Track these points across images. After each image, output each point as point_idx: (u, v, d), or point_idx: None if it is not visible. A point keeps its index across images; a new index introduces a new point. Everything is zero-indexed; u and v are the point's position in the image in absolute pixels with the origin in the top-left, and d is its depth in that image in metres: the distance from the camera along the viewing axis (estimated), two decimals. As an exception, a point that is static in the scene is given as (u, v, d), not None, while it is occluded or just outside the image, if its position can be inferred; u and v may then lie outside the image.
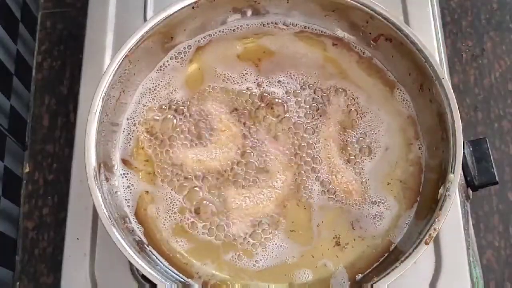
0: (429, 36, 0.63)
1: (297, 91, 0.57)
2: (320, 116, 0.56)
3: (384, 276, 0.46)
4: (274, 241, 0.52)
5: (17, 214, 0.67)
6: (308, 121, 0.56)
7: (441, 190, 0.48)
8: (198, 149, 0.55)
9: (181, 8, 0.53)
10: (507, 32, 0.77)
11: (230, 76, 0.57)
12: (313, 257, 0.52)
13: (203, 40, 0.58)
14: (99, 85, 0.50)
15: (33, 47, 0.74)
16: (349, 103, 0.57)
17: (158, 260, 0.51)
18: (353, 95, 0.57)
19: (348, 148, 0.55)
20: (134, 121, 0.56)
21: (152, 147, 0.55)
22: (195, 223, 0.53)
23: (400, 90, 0.57)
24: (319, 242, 0.52)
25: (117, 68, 0.51)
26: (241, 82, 0.57)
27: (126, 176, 0.54)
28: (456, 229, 0.56)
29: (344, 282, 0.51)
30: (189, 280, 0.51)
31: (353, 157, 0.55)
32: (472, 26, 0.77)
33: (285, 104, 0.56)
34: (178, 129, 0.55)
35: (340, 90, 0.57)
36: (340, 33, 0.58)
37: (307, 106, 0.56)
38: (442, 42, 0.64)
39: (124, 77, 0.53)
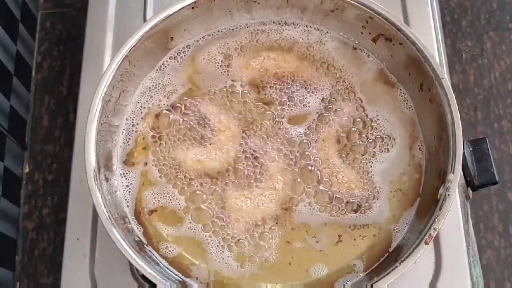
0: (429, 36, 0.63)
1: (298, 89, 0.57)
2: (321, 116, 0.56)
3: (384, 276, 0.46)
4: (275, 241, 0.52)
5: (17, 214, 0.67)
6: (309, 122, 0.56)
7: (441, 190, 0.48)
8: (198, 150, 0.55)
9: (181, 8, 0.53)
10: (507, 32, 0.77)
11: (230, 76, 0.57)
12: (315, 256, 0.52)
13: (203, 40, 0.58)
14: (99, 85, 0.50)
15: (33, 47, 0.74)
16: (350, 103, 0.56)
17: (158, 260, 0.51)
18: (353, 95, 0.57)
19: (348, 148, 0.55)
20: (133, 121, 0.56)
21: (151, 147, 0.55)
22: (195, 224, 0.53)
23: (400, 90, 0.57)
24: (322, 241, 0.52)
25: (117, 68, 0.51)
26: (241, 81, 0.57)
27: (125, 176, 0.54)
28: (456, 229, 0.56)
29: (347, 283, 0.51)
30: (189, 280, 0.51)
31: (353, 157, 0.55)
32: (472, 26, 0.77)
33: (285, 104, 0.56)
34: (177, 129, 0.55)
35: (341, 90, 0.57)
36: (340, 33, 0.58)
37: (308, 107, 0.56)
38: (442, 42, 0.64)
39: (124, 77, 0.53)
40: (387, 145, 0.55)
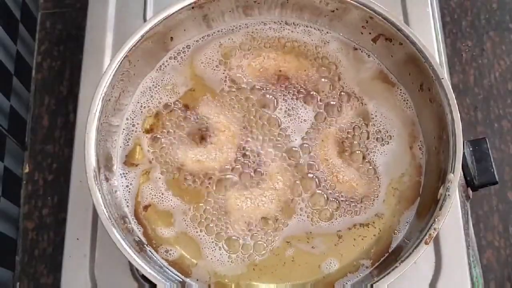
0: (429, 36, 0.63)
1: (298, 89, 0.57)
2: (321, 116, 0.56)
3: (384, 276, 0.46)
4: (275, 241, 0.52)
5: (17, 214, 0.67)
6: (309, 122, 0.56)
7: (441, 190, 0.48)
8: (197, 150, 0.55)
9: (181, 8, 0.53)
10: (506, 32, 0.77)
11: (230, 76, 0.57)
12: (316, 256, 0.52)
13: (203, 40, 0.58)
14: (99, 85, 0.50)
15: (33, 47, 0.74)
16: (350, 103, 0.56)
17: (158, 260, 0.51)
18: (353, 95, 0.57)
19: (348, 147, 0.55)
20: (133, 121, 0.56)
21: (151, 147, 0.55)
22: (195, 224, 0.53)
23: (400, 90, 0.57)
24: (322, 241, 0.52)
25: (117, 68, 0.51)
26: (241, 81, 0.57)
27: (125, 176, 0.54)
28: (456, 229, 0.56)
29: (347, 283, 0.51)
30: (189, 280, 0.51)
31: (353, 156, 0.55)
32: (472, 26, 0.77)
33: (286, 104, 0.56)
34: (177, 129, 0.55)
35: (341, 90, 0.57)
36: (340, 33, 0.58)
37: (308, 106, 0.56)
38: (442, 42, 0.64)
39: (124, 77, 0.53)
40: (387, 144, 0.55)
